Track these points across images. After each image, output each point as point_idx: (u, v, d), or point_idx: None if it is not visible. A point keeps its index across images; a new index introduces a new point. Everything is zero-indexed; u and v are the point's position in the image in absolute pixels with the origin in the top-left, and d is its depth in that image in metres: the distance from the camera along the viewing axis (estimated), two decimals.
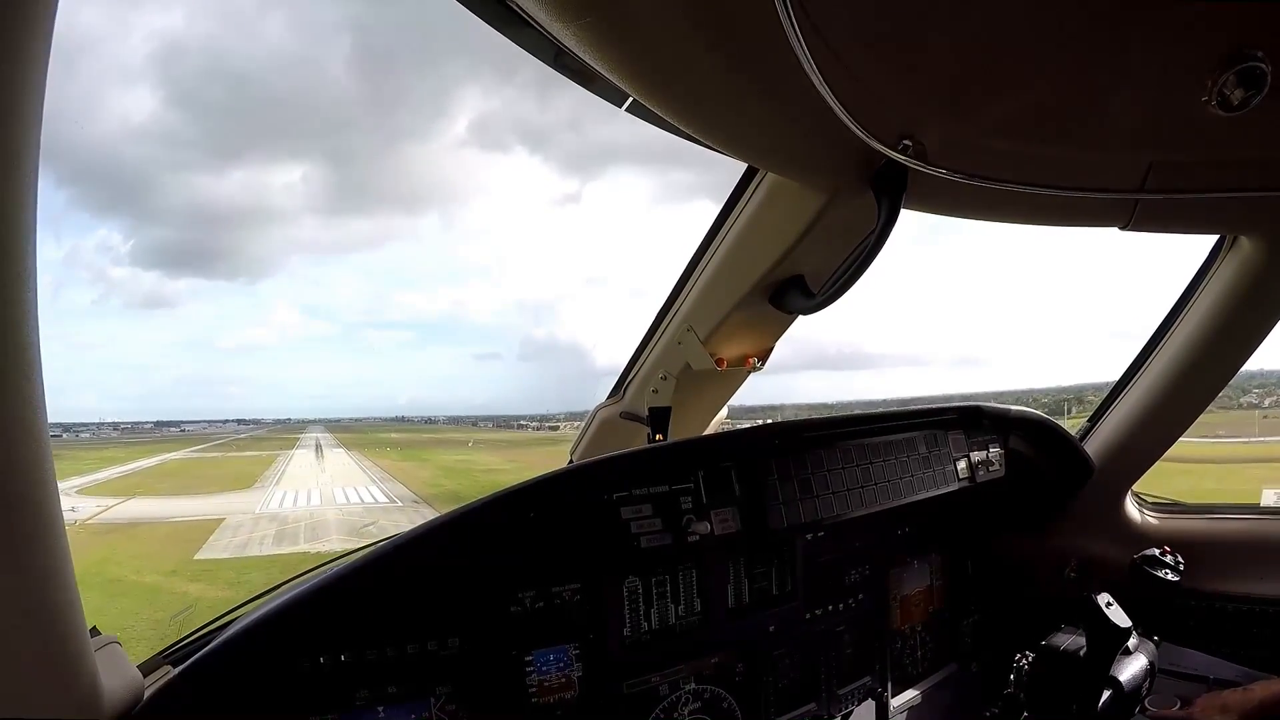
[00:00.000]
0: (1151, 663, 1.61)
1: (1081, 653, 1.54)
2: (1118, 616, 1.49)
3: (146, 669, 1.11)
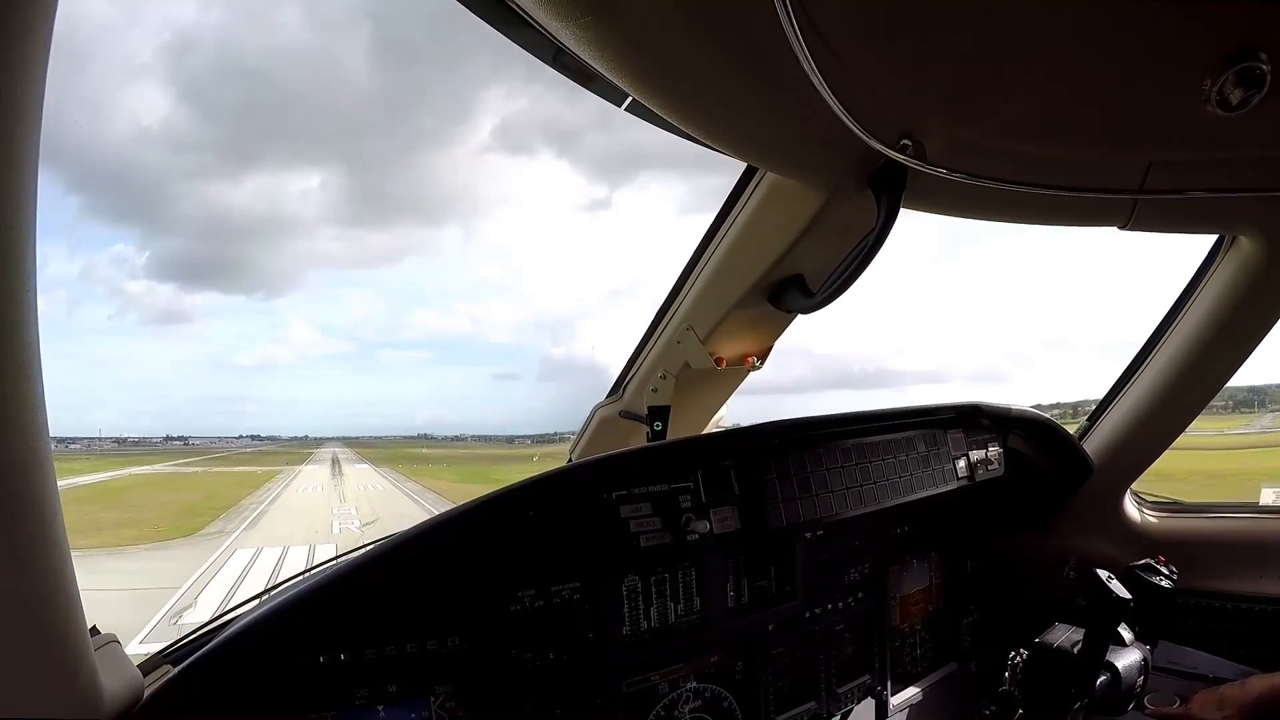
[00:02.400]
0: (1146, 659, 1.61)
1: (1076, 649, 1.54)
2: (1118, 589, 1.49)
3: (146, 668, 1.11)
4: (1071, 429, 2.13)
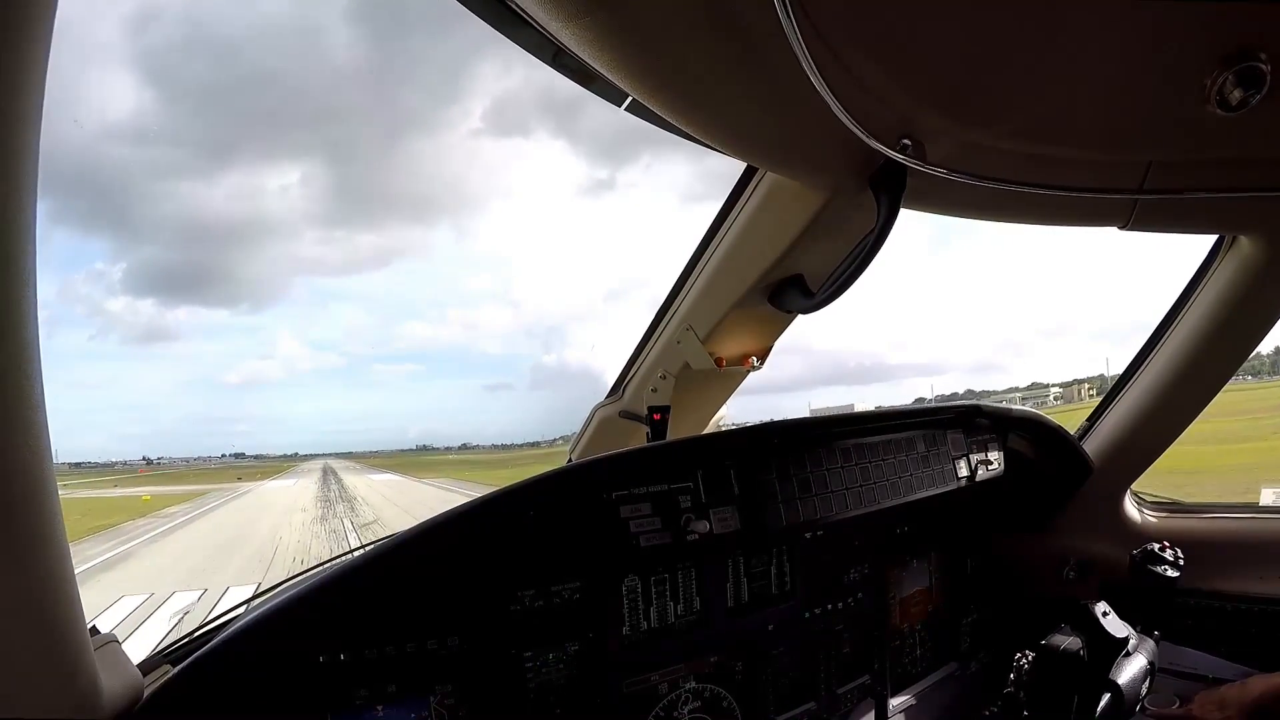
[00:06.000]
0: (1151, 662, 1.60)
1: (1081, 653, 1.53)
2: (1114, 626, 1.49)
3: (146, 668, 1.11)
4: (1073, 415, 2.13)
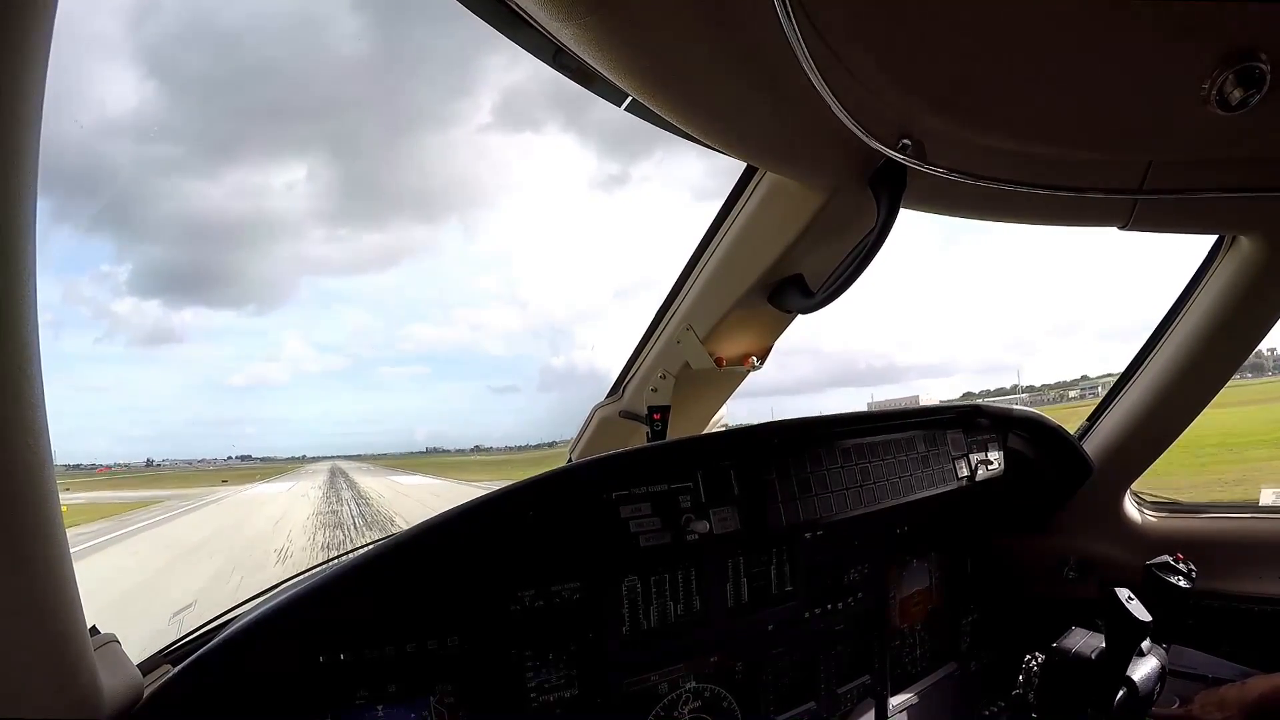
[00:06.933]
0: (1163, 666, 1.59)
1: (1094, 655, 1.52)
2: (1139, 611, 1.48)
3: (146, 668, 1.11)
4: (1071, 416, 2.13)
